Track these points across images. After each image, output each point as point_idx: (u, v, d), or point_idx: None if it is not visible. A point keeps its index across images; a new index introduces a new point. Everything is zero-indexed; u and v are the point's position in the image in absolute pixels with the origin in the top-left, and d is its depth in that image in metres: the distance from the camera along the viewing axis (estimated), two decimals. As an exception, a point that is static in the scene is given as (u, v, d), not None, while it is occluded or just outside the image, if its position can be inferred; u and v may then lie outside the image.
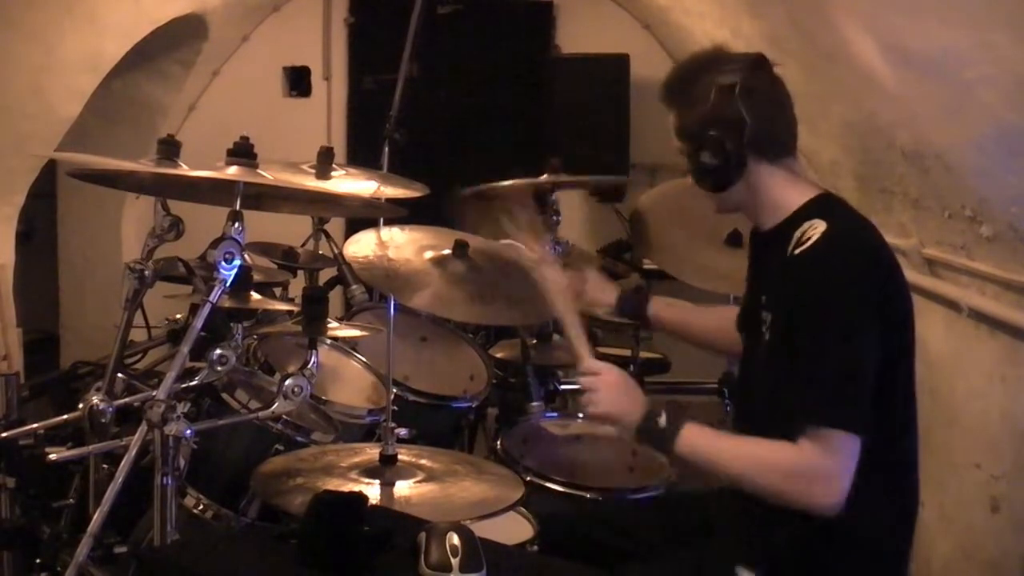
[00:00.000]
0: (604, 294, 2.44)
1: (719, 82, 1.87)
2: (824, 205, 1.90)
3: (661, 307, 2.40)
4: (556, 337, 3.27)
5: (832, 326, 1.79)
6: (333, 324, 2.53)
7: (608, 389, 1.93)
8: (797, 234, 1.85)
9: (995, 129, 2.09)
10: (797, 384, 1.79)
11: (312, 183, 2.76)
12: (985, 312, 2.48)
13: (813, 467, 1.77)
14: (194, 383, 1.93)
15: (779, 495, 1.80)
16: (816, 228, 1.83)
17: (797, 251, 1.83)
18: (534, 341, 3.15)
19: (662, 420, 1.87)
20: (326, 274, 3.60)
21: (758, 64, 1.91)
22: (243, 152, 1.90)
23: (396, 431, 2.19)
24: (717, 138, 1.88)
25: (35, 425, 2.26)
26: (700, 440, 1.87)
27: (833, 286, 1.80)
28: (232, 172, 1.86)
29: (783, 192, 1.92)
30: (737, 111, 1.86)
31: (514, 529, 2.15)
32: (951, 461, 2.68)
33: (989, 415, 2.52)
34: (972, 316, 2.53)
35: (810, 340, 1.79)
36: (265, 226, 2.68)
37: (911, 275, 2.70)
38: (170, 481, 1.81)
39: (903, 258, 2.74)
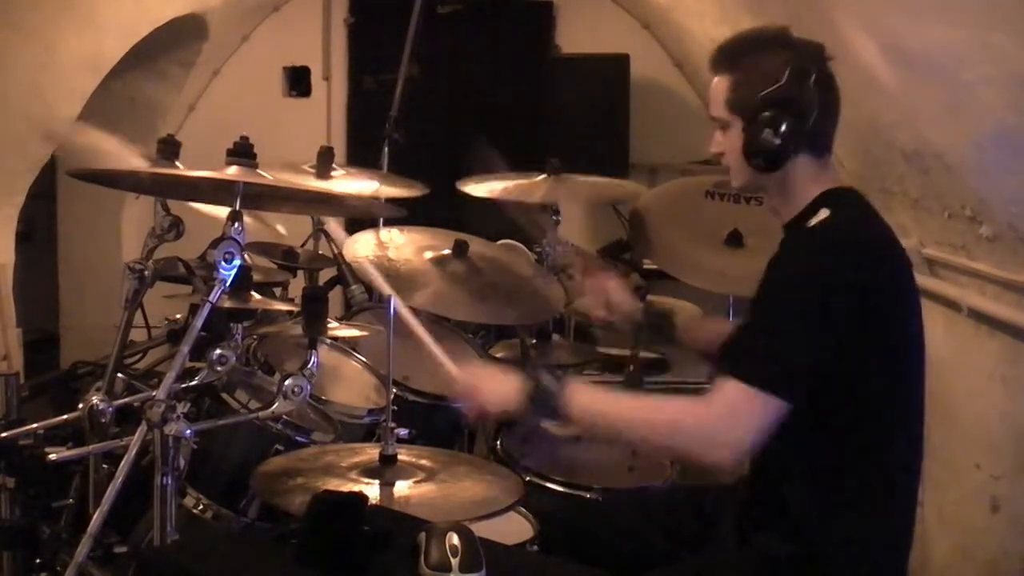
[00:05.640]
0: (626, 305, 2.38)
1: (796, 64, 1.83)
2: (834, 196, 1.90)
3: (690, 326, 2.37)
4: (556, 337, 3.28)
5: (786, 305, 1.79)
6: (333, 324, 2.53)
7: (481, 384, 1.93)
8: (808, 225, 1.86)
9: (995, 129, 2.09)
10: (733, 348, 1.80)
11: (312, 183, 2.77)
12: (985, 312, 2.48)
13: (714, 423, 1.73)
14: (194, 383, 1.93)
15: (676, 451, 1.82)
16: (819, 218, 1.84)
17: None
18: (534, 341, 3.15)
19: (545, 380, 1.83)
20: (326, 274, 3.60)
21: (826, 55, 1.89)
22: (243, 152, 1.90)
23: (396, 431, 2.19)
24: (782, 118, 1.83)
25: (35, 425, 2.26)
26: (588, 395, 1.84)
27: (803, 269, 1.81)
28: (232, 172, 1.86)
29: (808, 185, 1.90)
30: (809, 98, 1.84)
31: (514, 529, 2.14)
32: (951, 461, 2.67)
33: (989, 415, 2.52)
34: (972, 316, 2.53)
35: (761, 315, 1.81)
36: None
37: (911, 275, 2.71)
38: (170, 481, 1.81)
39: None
